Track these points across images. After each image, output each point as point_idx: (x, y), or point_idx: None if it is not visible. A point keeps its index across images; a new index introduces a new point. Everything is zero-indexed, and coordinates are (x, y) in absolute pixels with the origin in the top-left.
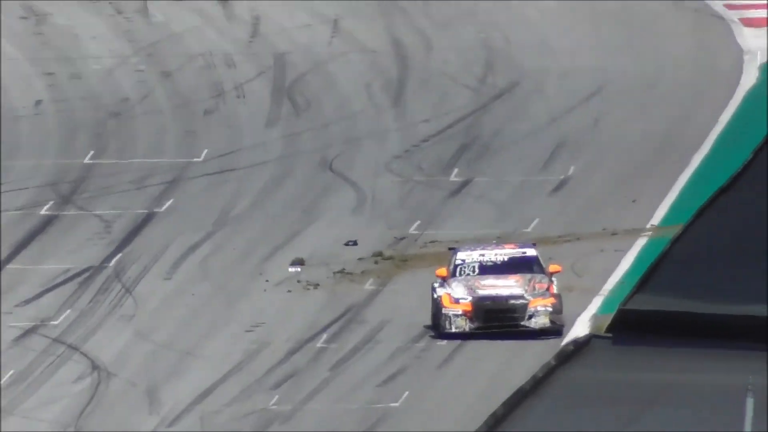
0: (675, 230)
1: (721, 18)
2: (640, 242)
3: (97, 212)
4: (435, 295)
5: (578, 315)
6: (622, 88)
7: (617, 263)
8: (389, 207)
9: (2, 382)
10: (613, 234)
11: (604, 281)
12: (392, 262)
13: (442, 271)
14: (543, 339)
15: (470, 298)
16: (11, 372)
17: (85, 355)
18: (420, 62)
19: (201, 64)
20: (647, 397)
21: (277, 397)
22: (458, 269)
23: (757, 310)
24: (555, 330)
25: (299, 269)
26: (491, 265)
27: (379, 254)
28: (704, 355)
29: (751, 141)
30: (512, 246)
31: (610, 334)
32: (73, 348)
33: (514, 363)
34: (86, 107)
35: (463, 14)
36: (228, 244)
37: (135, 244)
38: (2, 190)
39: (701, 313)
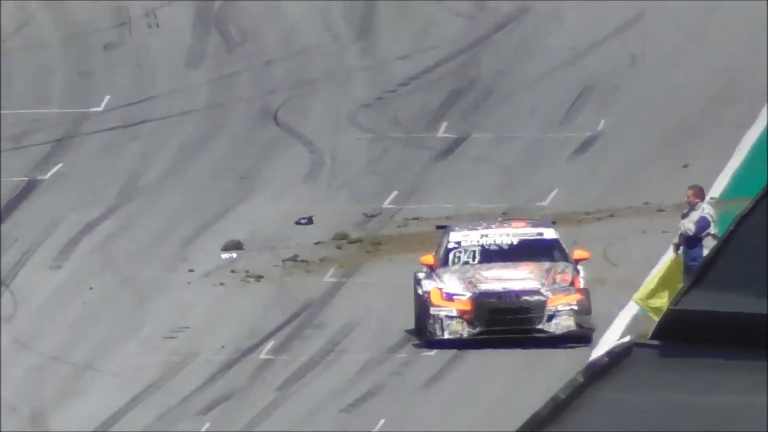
0: (741, 206)
1: None
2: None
3: None
4: (420, 291)
5: (614, 316)
6: (668, 15)
7: (664, 248)
8: (355, 173)
9: None
10: (659, 210)
11: (647, 272)
12: (360, 246)
13: (429, 259)
14: (567, 347)
15: (469, 294)
16: None
17: None
18: None
19: None
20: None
21: (207, 425)
22: (451, 255)
23: None
24: (582, 336)
25: (234, 255)
26: (496, 250)
27: (343, 236)
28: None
29: None
30: (524, 224)
31: (656, 342)
32: None
33: (528, 380)
34: None
35: None
36: (137, 223)
37: (11, 222)
38: None
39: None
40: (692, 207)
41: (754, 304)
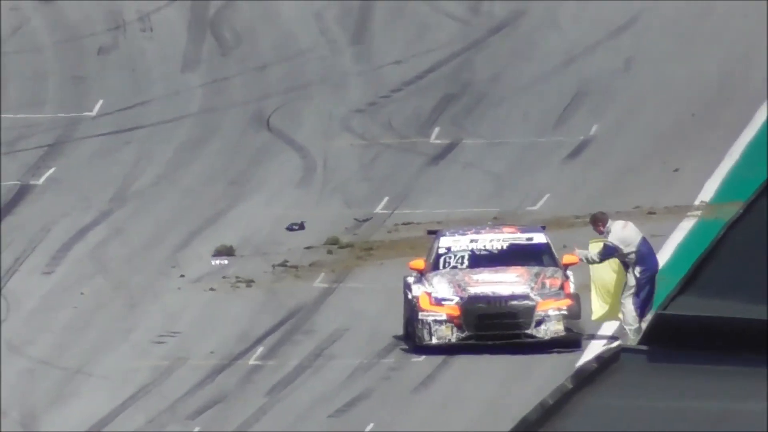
0: (732, 209)
1: None
2: (686, 225)
3: None
4: (409, 295)
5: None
6: (662, 20)
7: (655, 252)
8: (347, 178)
9: None
10: (650, 213)
11: None
12: (351, 251)
13: (419, 263)
14: (556, 353)
15: (458, 299)
16: None
17: None
18: None
19: None
20: (692, 428)
21: (197, 429)
22: (441, 260)
23: None
24: (572, 341)
25: (226, 261)
26: (486, 255)
27: (334, 241)
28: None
29: None
30: (514, 229)
31: (645, 347)
32: None
33: (517, 385)
34: None
35: None
36: (129, 228)
37: (4, 226)
38: None
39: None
40: (603, 234)
41: (743, 310)
